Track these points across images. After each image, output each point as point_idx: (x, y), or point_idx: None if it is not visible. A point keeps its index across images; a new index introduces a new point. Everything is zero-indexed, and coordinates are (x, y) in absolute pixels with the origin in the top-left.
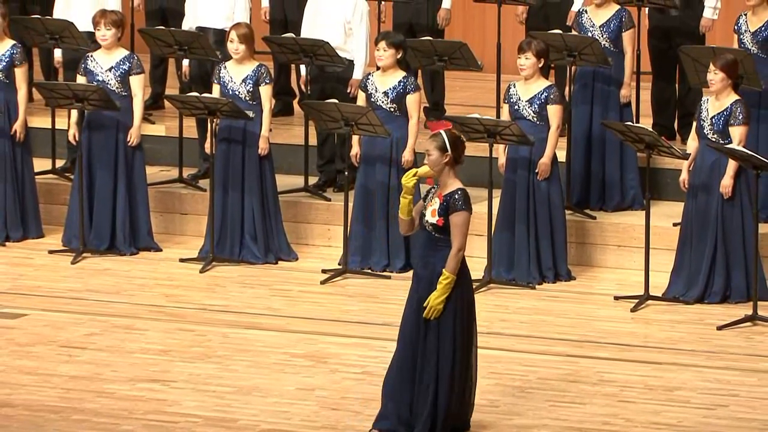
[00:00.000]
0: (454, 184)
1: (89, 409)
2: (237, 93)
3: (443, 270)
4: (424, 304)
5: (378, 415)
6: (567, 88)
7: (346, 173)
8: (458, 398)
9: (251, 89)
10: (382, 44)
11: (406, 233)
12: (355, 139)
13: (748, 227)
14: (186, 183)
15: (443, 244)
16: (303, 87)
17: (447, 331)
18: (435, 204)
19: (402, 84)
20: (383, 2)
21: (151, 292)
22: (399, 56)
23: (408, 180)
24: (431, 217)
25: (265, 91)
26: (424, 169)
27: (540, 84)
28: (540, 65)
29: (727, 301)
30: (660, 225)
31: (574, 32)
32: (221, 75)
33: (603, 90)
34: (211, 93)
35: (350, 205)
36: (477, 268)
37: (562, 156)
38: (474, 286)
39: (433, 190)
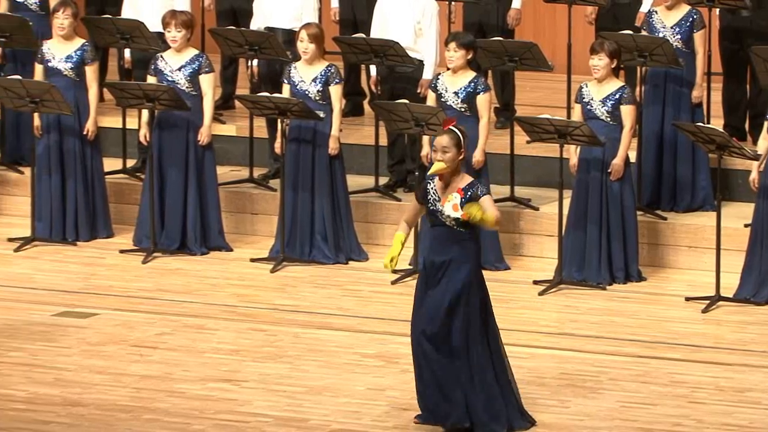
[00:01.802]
0: (467, 178)
1: (160, 408)
2: (307, 93)
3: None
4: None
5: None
6: (638, 89)
7: (416, 173)
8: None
9: (321, 89)
10: (453, 45)
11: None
12: (425, 139)
13: None
14: (257, 183)
15: (465, 236)
16: (373, 87)
17: (476, 324)
18: (454, 198)
19: (473, 84)
20: (453, 2)
21: (222, 292)
22: (469, 57)
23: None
24: (453, 211)
25: (335, 91)
26: (439, 166)
27: (613, 84)
28: (613, 66)
29: None
30: (731, 226)
31: (644, 33)
32: (291, 75)
33: (675, 91)
34: (280, 93)
35: None
36: (548, 269)
37: (633, 157)
38: (545, 287)
39: (433, 186)
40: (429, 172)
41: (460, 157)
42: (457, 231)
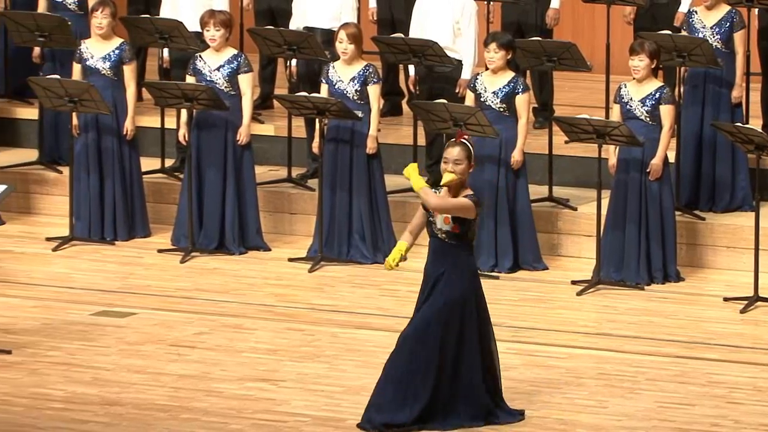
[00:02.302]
0: (466, 191)
1: (198, 408)
2: (345, 93)
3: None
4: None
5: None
6: (677, 89)
7: None
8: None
9: (359, 89)
10: (493, 46)
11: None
12: None
13: None
14: (295, 183)
15: (456, 248)
16: (411, 87)
17: (474, 327)
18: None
19: (512, 84)
20: (492, 2)
21: (261, 291)
22: (509, 57)
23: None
24: (444, 224)
25: (374, 91)
26: (450, 177)
27: (652, 84)
28: (652, 66)
29: None
30: None
31: (684, 33)
32: (329, 75)
33: (714, 91)
34: (318, 93)
35: None
36: (586, 269)
37: (671, 157)
38: (583, 287)
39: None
40: (441, 183)
41: (470, 170)
42: (449, 243)
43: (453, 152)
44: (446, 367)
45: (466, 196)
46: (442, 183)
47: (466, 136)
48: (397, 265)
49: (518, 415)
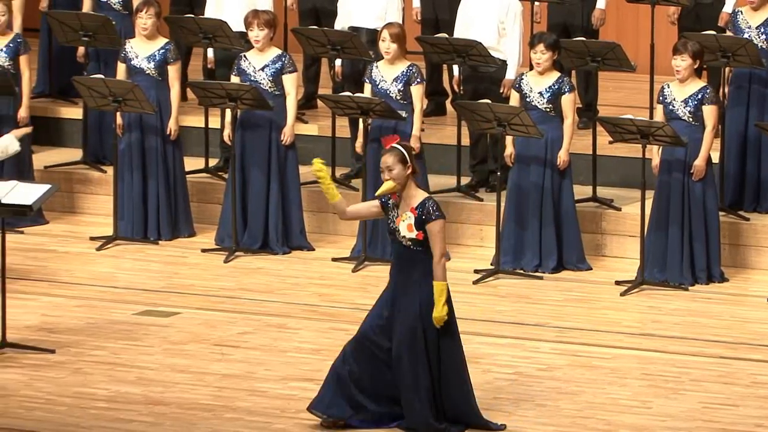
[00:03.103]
0: (419, 195)
1: (242, 407)
2: (388, 92)
3: (434, 281)
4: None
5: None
6: (721, 90)
7: (499, 173)
8: (464, 387)
9: (402, 89)
10: (540, 47)
11: (350, 219)
12: (509, 139)
13: None
14: (338, 182)
15: (421, 255)
16: (456, 87)
17: (433, 343)
18: (408, 218)
19: (558, 84)
20: (538, 3)
21: (304, 291)
22: (555, 57)
23: (318, 169)
24: (408, 232)
25: (417, 91)
26: (388, 185)
27: (695, 85)
28: (695, 66)
29: None
30: None
31: (728, 33)
32: (372, 74)
33: (759, 92)
34: (362, 92)
35: (502, 205)
36: (630, 269)
37: (715, 158)
38: (627, 288)
39: (392, 202)
40: (377, 193)
41: (408, 172)
42: (414, 250)
43: (385, 160)
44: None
45: (422, 204)
46: (378, 192)
47: (393, 142)
48: (319, 170)
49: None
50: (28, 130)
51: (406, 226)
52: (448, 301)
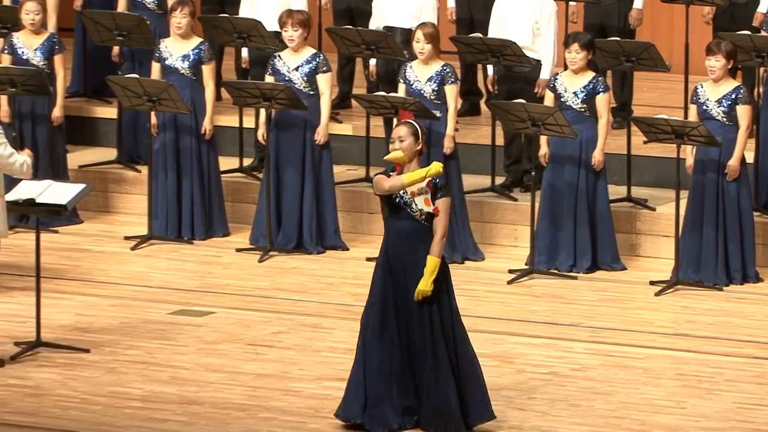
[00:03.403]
0: (416, 168)
1: (276, 407)
2: (422, 92)
3: (430, 256)
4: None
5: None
6: (755, 90)
7: (533, 173)
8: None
9: (436, 89)
10: (575, 47)
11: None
12: (543, 139)
13: None
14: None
15: (429, 231)
16: (490, 87)
17: (447, 317)
18: (425, 193)
19: (592, 84)
20: (574, 3)
21: (339, 291)
22: (590, 57)
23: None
24: (425, 206)
25: (451, 91)
26: (396, 154)
27: (729, 84)
28: (729, 66)
29: None
30: None
31: (763, 33)
32: (406, 74)
33: None
34: (397, 92)
35: (537, 205)
36: (664, 269)
37: (749, 157)
38: (661, 288)
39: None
40: (385, 158)
41: (418, 148)
42: (424, 226)
43: (398, 131)
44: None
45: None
46: (386, 158)
47: (409, 117)
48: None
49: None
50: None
51: (423, 200)
52: (448, 283)
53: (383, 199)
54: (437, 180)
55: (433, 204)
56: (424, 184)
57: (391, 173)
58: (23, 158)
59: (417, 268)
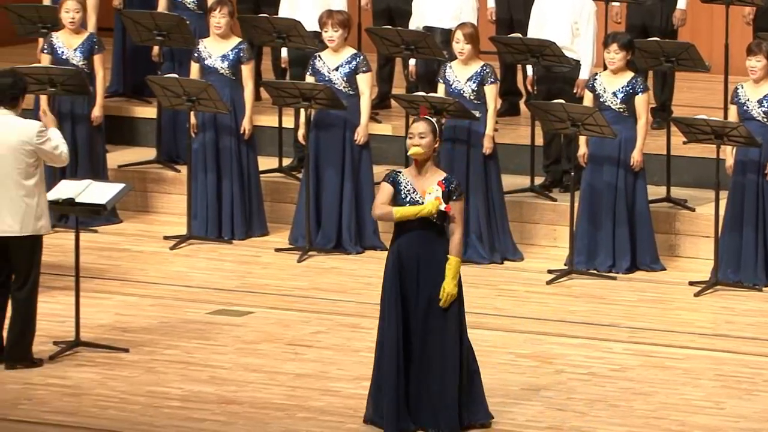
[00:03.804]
0: (438, 171)
1: (315, 407)
2: (462, 92)
3: (450, 256)
4: (441, 295)
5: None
6: None
7: (572, 173)
8: (472, 381)
9: (476, 89)
10: (614, 47)
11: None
12: (582, 139)
13: None
14: None
15: (442, 230)
16: (529, 87)
17: (454, 317)
18: (436, 191)
19: (632, 84)
20: (617, 3)
21: (378, 290)
22: (629, 57)
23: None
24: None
25: (490, 91)
26: (417, 150)
27: None
28: None
29: None
30: None
31: None
32: (446, 74)
33: None
34: (436, 92)
35: (576, 205)
36: (703, 270)
37: None
38: (700, 288)
39: (405, 179)
40: (408, 153)
41: (436, 145)
42: (438, 225)
43: (418, 127)
44: None
45: (448, 178)
46: (409, 153)
47: (429, 114)
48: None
49: None
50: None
51: (433, 199)
52: (461, 284)
53: (394, 203)
54: (451, 179)
55: (445, 203)
56: (435, 183)
57: (399, 173)
58: (66, 147)
59: (430, 266)
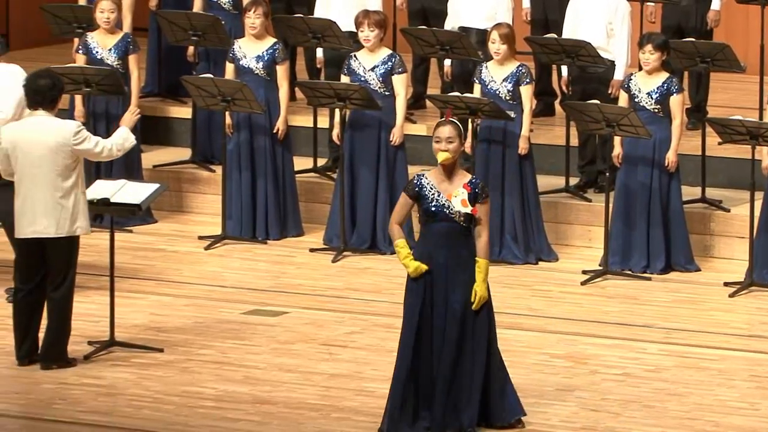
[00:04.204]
0: (462, 173)
1: (349, 407)
2: (497, 93)
3: (479, 258)
4: (473, 298)
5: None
6: None
7: (607, 174)
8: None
9: (511, 89)
10: (649, 47)
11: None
12: (617, 140)
13: None
14: None
15: (468, 233)
16: (564, 87)
17: (484, 320)
18: (462, 194)
19: (666, 85)
20: (652, 4)
21: None
22: (664, 58)
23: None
24: (463, 207)
25: (526, 91)
26: (444, 156)
27: None
28: None
29: None
30: None
31: None
32: (482, 75)
33: None
34: (471, 93)
35: (611, 205)
36: (738, 271)
37: None
38: (735, 289)
39: (429, 182)
40: (440, 161)
41: (461, 149)
42: (464, 227)
43: (445, 131)
44: None
45: (473, 181)
46: (441, 161)
47: (453, 117)
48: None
49: None
50: (136, 114)
51: (460, 202)
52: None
53: (419, 206)
54: (476, 181)
55: (471, 205)
56: (460, 186)
57: (422, 177)
58: (109, 143)
59: (458, 269)
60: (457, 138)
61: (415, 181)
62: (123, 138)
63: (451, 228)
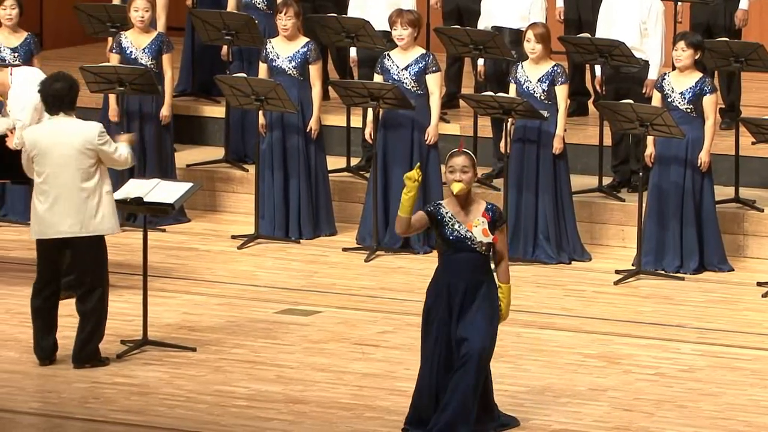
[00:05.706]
0: (478, 200)
1: (381, 407)
2: (533, 92)
3: (502, 284)
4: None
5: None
6: None
7: (641, 174)
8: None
9: (547, 89)
10: (681, 44)
11: (404, 233)
12: (650, 139)
13: None
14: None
15: (488, 260)
16: (598, 87)
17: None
18: (482, 223)
19: (699, 84)
20: (681, 3)
21: None
22: (697, 57)
23: (416, 174)
24: (484, 237)
25: (561, 91)
26: (459, 186)
27: None
28: None
29: None
30: None
31: None
32: (517, 74)
33: None
34: (504, 92)
35: (644, 205)
36: None
37: None
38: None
39: (448, 212)
40: (455, 192)
41: (476, 178)
42: (485, 256)
43: (459, 161)
44: None
45: (491, 208)
46: (456, 192)
47: (465, 148)
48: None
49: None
50: (132, 138)
51: (481, 231)
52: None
53: (439, 236)
54: (493, 207)
55: (492, 233)
56: (479, 214)
57: (440, 206)
58: (126, 150)
59: (477, 293)
60: (471, 168)
61: (433, 209)
62: (129, 152)
63: (472, 257)
